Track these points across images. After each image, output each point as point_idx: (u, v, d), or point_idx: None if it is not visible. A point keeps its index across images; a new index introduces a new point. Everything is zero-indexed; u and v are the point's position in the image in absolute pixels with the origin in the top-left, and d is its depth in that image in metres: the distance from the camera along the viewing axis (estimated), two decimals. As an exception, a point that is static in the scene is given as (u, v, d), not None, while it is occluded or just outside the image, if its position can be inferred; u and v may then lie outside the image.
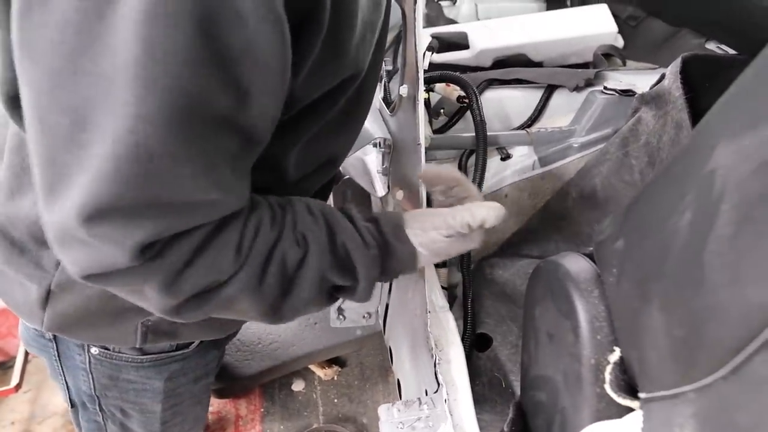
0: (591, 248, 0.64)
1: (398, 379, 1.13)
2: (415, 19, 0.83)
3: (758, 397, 0.38)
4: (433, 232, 0.64)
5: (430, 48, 1.37)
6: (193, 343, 0.82)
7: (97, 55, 0.39)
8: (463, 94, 1.19)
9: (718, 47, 1.45)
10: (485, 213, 0.64)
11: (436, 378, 0.83)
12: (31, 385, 1.83)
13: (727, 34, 1.41)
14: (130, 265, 0.47)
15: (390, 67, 1.21)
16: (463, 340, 0.90)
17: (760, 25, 1.21)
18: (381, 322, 1.31)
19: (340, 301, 1.27)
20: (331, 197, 1.41)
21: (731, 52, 1.39)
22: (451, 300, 1.19)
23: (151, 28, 0.38)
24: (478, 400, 0.86)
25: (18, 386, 1.60)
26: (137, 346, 0.74)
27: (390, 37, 1.56)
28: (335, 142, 0.70)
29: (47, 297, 0.67)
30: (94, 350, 0.76)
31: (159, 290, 0.50)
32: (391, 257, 0.63)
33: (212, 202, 0.48)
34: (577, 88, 1.32)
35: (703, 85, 1.01)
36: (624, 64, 1.55)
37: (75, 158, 0.42)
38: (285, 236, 0.56)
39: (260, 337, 1.58)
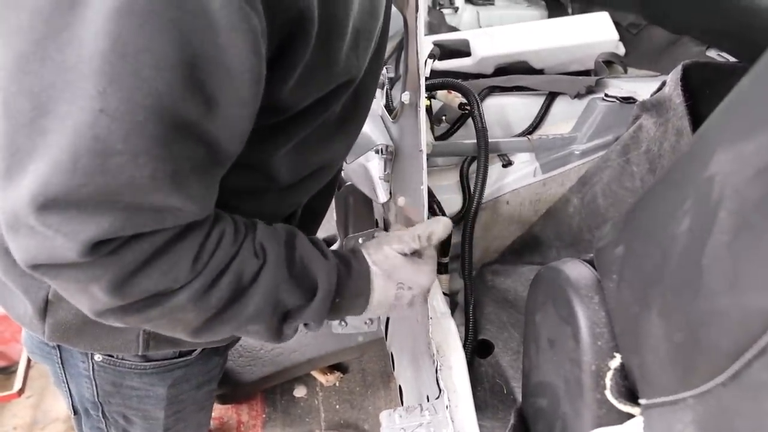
0: (592, 254, 0.64)
1: (400, 386, 1.13)
2: (416, 26, 0.83)
3: (757, 403, 0.39)
4: (386, 247, 0.67)
5: (431, 55, 1.38)
6: (195, 350, 0.82)
7: (64, 44, 0.39)
8: (464, 101, 1.20)
9: (718, 55, 1.46)
10: (434, 226, 0.69)
11: (438, 384, 0.83)
12: (33, 391, 1.83)
13: (727, 42, 1.41)
14: (80, 261, 0.46)
15: (392, 75, 1.22)
16: (464, 346, 0.90)
17: (760, 33, 1.22)
18: (383, 328, 1.31)
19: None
20: (333, 203, 1.42)
21: (732, 59, 1.40)
22: (453, 306, 1.19)
23: (121, 25, 0.38)
24: (480, 407, 0.86)
25: (21, 391, 1.61)
26: (140, 353, 0.74)
27: (392, 44, 1.57)
28: (331, 147, 0.70)
29: (45, 307, 0.67)
30: (97, 357, 0.77)
31: (107, 289, 0.48)
32: (347, 276, 0.64)
33: (172, 207, 0.47)
34: (579, 96, 1.33)
35: (703, 93, 1.01)
36: (625, 71, 1.55)
37: (33, 144, 0.42)
38: (245, 248, 0.56)
39: (262, 342, 1.58)
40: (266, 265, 0.57)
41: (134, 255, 0.48)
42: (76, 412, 0.85)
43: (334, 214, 1.42)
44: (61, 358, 0.79)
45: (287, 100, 0.53)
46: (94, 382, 0.79)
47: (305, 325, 0.65)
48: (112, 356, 0.76)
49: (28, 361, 1.67)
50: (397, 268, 0.67)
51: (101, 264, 0.47)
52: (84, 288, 0.50)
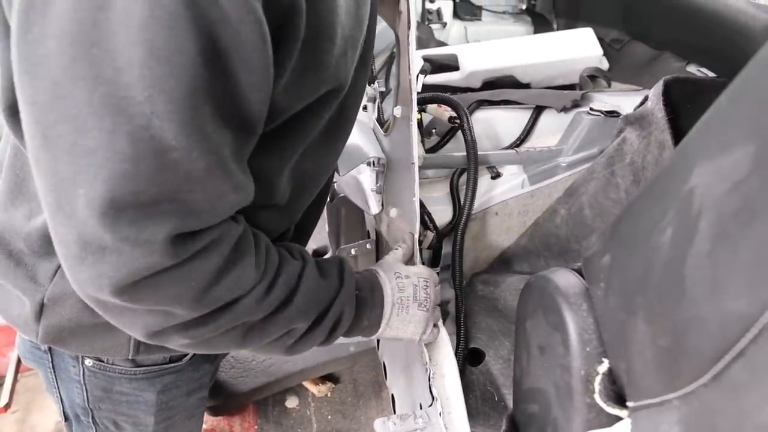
0: (579, 264, 0.67)
1: (392, 394, 1.14)
2: (409, 43, 0.86)
3: (737, 402, 0.41)
4: (385, 257, 0.85)
5: (423, 71, 1.41)
6: (186, 356, 0.83)
7: (95, 61, 0.41)
8: (454, 114, 1.22)
9: (698, 70, 1.50)
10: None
11: (431, 392, 0.84)
12: (19, 405, 1.81)
13: (706, 58, 1.46)
14: (166, 265, 0.48)
15: (383, 89, 1.25)
16: (456, 354, 0.92)
17: (737, 49, 1.26)
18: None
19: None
20: (325, 214, 1.43)
21: (711, 74, 1.45)
22: (444, 316, 1.21)
23: (152, 31, 0.40)
24: (472, 414, 0.88)
25: (7, 406, 1.58)
26: (130, 357, 0.75)
27: (382, 59, 1.60)
28: (318, 159, 0.72)
29: (41, 310, 0.68)
30: (88, 362, 0.77)
31: (191, 300, 0.52)
32: (360, 276, 0.77)
33: (224, 195, 0.51)
34: (564, 109, 1.37)
35: (684, 107, 1.05)
36: (609, 85, 1.60)
37: (77, 167, 0.44)
38: (286, 253, 0.65)
39: (254, 353, 1.58)
40: (307, 266, 0.67)
41: (208, 266, 0.52)
42: (66, 418, 0.85)
43: (326, 225, 1.44)
44: (52, 362, 0.80)
45: (279, 103, 0.55)
46: (84, 387, 0.80)
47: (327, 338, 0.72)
48: (102, 361, 0.77)
49: (15, 375, 1.65)
50: (393, 265, 0.82)
51: (184, 268, 0.50)
52: (163, 311, 0.53)
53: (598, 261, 0.60)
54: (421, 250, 1.06)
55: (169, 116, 0.43)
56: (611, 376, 0.58)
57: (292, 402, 1.84)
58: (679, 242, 0.47)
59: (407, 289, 0.78)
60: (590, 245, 0.63)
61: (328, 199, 1.23)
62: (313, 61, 0.55)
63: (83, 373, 0.78)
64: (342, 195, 1.23)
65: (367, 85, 1.26)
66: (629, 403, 0.55)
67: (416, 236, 0.92)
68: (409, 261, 0.88)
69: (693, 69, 1.52)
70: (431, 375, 0.85)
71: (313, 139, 0.65)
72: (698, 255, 0.45)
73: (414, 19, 0.86)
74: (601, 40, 1.63)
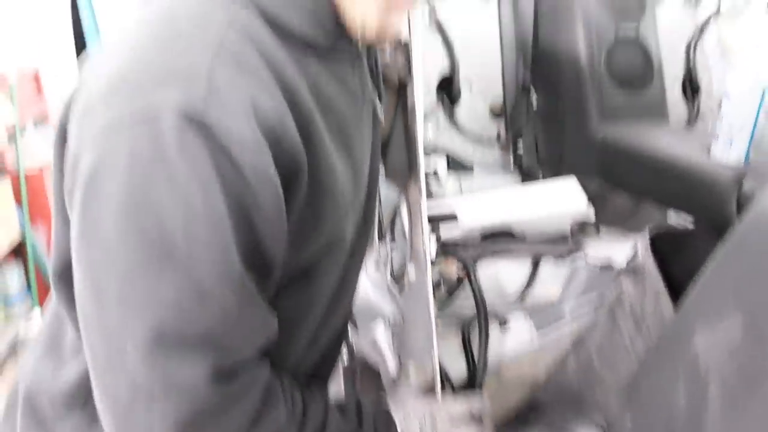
0: (599, 416, 0.70)
1: None
2: (421, 210, 0.95)
3: None
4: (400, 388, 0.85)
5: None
6: None
7: (143, 225, 0.50)
8: (461, 269, 1.30)
9: (677, 216, 1.62)
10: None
11: None
12: None
13: (682, 206, 1.59)
14: (208, 406, 0.52)
15: (392, 246, 1.33)
16: None
17: (706, 201, 1.39)
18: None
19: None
20: (341, 372, 1.44)
21: (689, 219, 1.56)
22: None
23: (191, 196, 0.50)
24: None
25: None
26: None
27: (387, 216, 1.71)
28: (324, 314, 0.77)
29: None
30: None
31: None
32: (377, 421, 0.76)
33: (256, 328, 0.58)
34: (561, 258, 1.45)
35: (672, 256, 1.14)
36: (598, 232, 1.70)
37: (129, 313, 0.51)
38: (309, 396, 0.68)
39: None
40: (329, 408, 0.69)
41: (246, 407, 0.56)
42: None
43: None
44: None
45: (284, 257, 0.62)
46: None
47: None
48: None
49: None
50: (404, 401, 0.83)
51: (223, 414, 0.54)
52: None
53: (621, 425, 0.63)
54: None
55: (206, 260, 0.51)
56: None
57: None
58: (693, 405, 0.52)
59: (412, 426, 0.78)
60: (610, 407, 0.66)
61: (348, 358, 1.26)
62: (313, 216, 0.64)
63: None
64: (360, 355, 1.26)
65: (380, 245, 1.36)
66: None
67: (436, 366, 0.92)
68: (426, 390, 0.91)
69: (673, 215, 1.64)
70: None
71: (321, 292, 0.72)
72: (713, 415, 0.49)
73: (424, 186, 0.96)
74: (584, 186, 1.76)
